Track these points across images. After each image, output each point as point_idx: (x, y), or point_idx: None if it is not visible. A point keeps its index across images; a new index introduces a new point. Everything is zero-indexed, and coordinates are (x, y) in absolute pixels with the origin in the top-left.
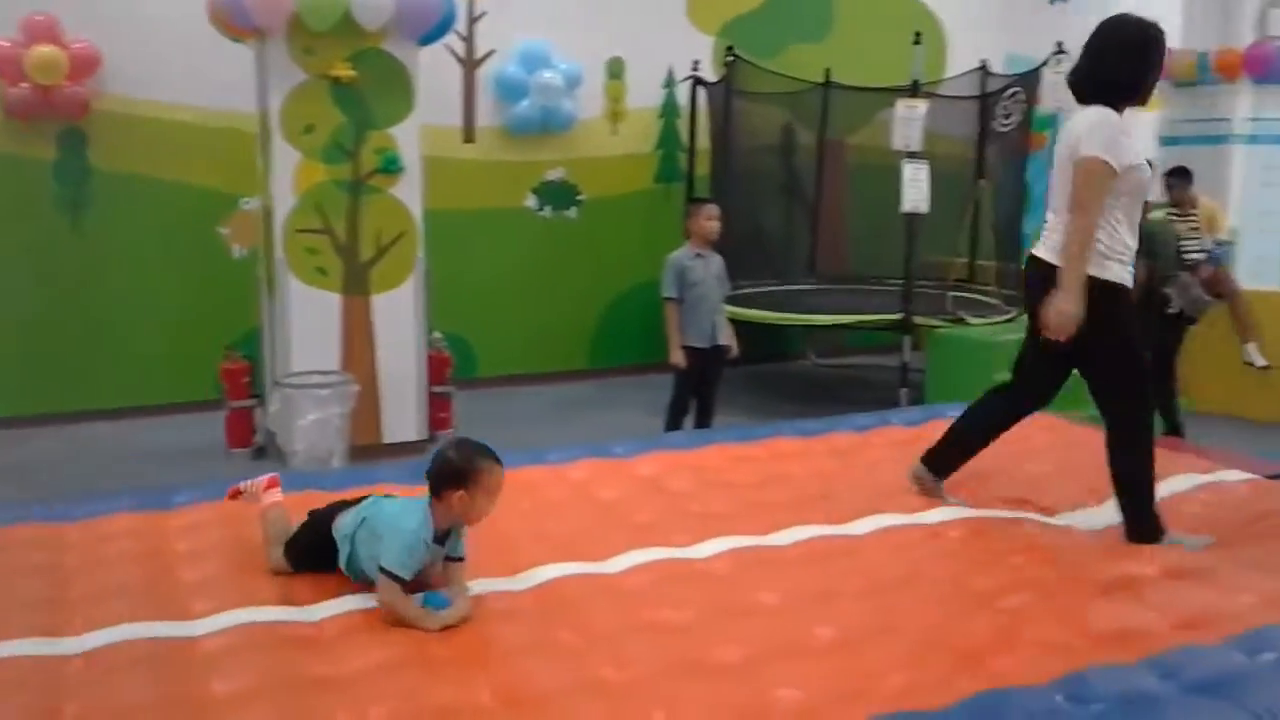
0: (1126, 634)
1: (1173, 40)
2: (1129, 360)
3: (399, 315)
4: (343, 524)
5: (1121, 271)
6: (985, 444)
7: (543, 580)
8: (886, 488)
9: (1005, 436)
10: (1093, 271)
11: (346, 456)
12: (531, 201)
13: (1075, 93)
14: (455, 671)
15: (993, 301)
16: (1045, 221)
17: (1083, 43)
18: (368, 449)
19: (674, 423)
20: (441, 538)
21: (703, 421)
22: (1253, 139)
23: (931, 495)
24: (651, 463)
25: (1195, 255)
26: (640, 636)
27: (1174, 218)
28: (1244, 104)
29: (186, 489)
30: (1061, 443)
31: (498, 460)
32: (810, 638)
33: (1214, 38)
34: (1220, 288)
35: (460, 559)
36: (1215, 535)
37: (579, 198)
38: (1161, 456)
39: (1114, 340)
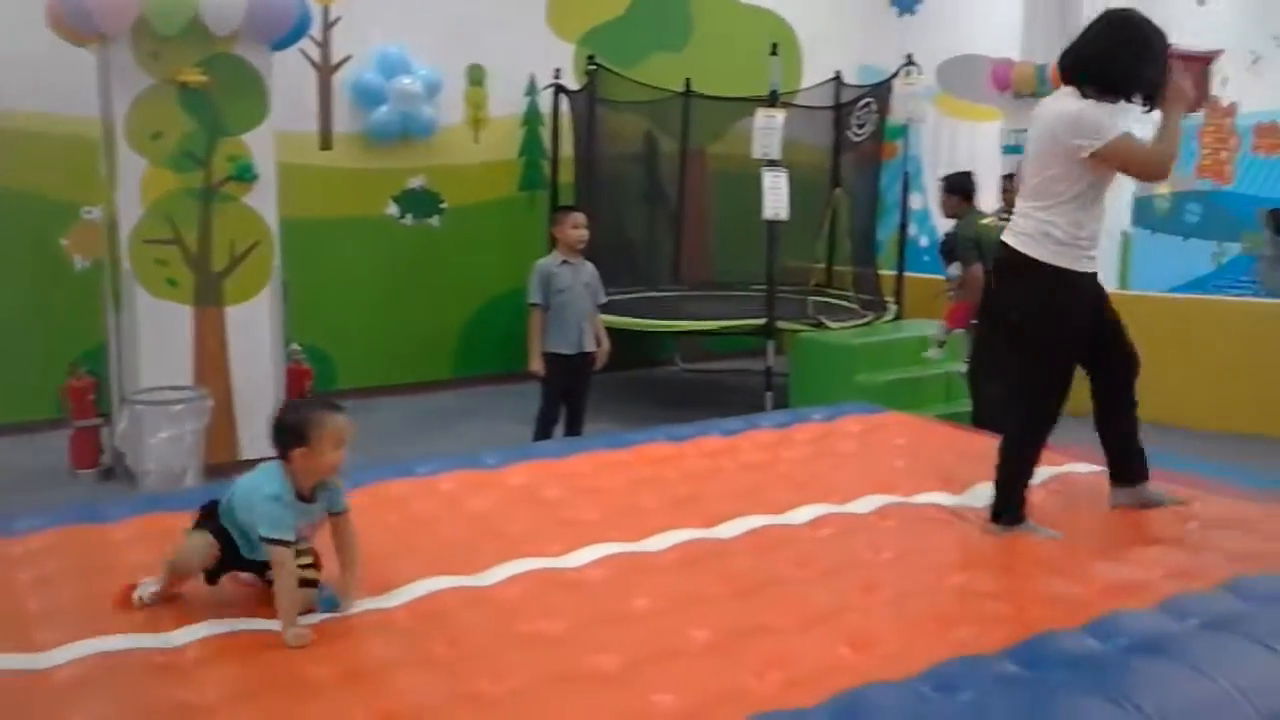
0: (986, 625)
1: (1012, 53)
2: (1059, 355)
3: (255, 327)
4: (223, 514)
5: (1078, 261)
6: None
7: (415, 595)
8: (756, 490)
9: (869, 439)
10: (1047, 259)
11: (201, 474)
12: (392, 209)
13: (1060, 67)
14: (327, 692)
15: (851, 306)
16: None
17: (930, 52)
18: (224, 466)
19: (543, 431)
20: (309, 496)
21: (573, 429)
22: None
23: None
24: (523, 472)
25: None
26: (516, 648)
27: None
28: None
29: (29, 514)
30: (919, 440)
31: (336, 409)
32: (686, 641)
33: (1053, 51)
34: None
35: (342, 512)
36: (1067, 522)
37: (441, 205)
38: None
39: (1053, 329)
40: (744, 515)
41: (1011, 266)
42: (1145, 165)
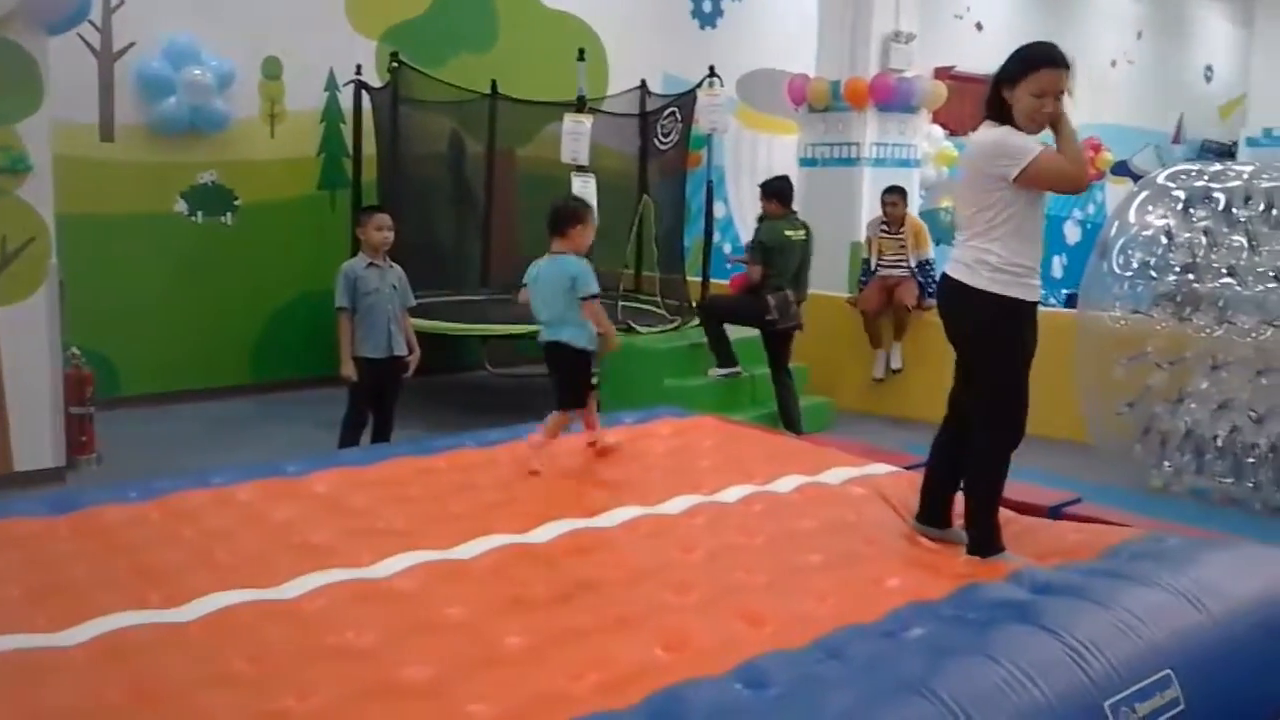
0: (797, 622)
1: (808, 68)
2: (1014, 382)
3: (29, 329)
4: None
5: (1020, 288)
6: (956, 477)
7: (211, 610)
8: (569, 493)
9: (679, 441)
10: (989, 287)
11: None
12: (181, 206)
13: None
14: (125, 715)
15: (659, 311)
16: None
17: (731, 64)
18: None
19: (350, 438)
20: None
21: (381, 435)
22: (878, 162)
23: (950, 541)
24: (327, 480)
25: (897, 271)
26: (322, 663)
27: (884, 233)
28: (870, 129)
29: None
30: (726, 441)
31: None
32: (501, 648)
33: (845, 68)
34: (908, 302)
35: None
36: (871, 517)
37: (235, 202)
38: (815, 452)
39: (1005, 358)
40: (557, 519)
41: (951, 294)
42: (1064, 177)
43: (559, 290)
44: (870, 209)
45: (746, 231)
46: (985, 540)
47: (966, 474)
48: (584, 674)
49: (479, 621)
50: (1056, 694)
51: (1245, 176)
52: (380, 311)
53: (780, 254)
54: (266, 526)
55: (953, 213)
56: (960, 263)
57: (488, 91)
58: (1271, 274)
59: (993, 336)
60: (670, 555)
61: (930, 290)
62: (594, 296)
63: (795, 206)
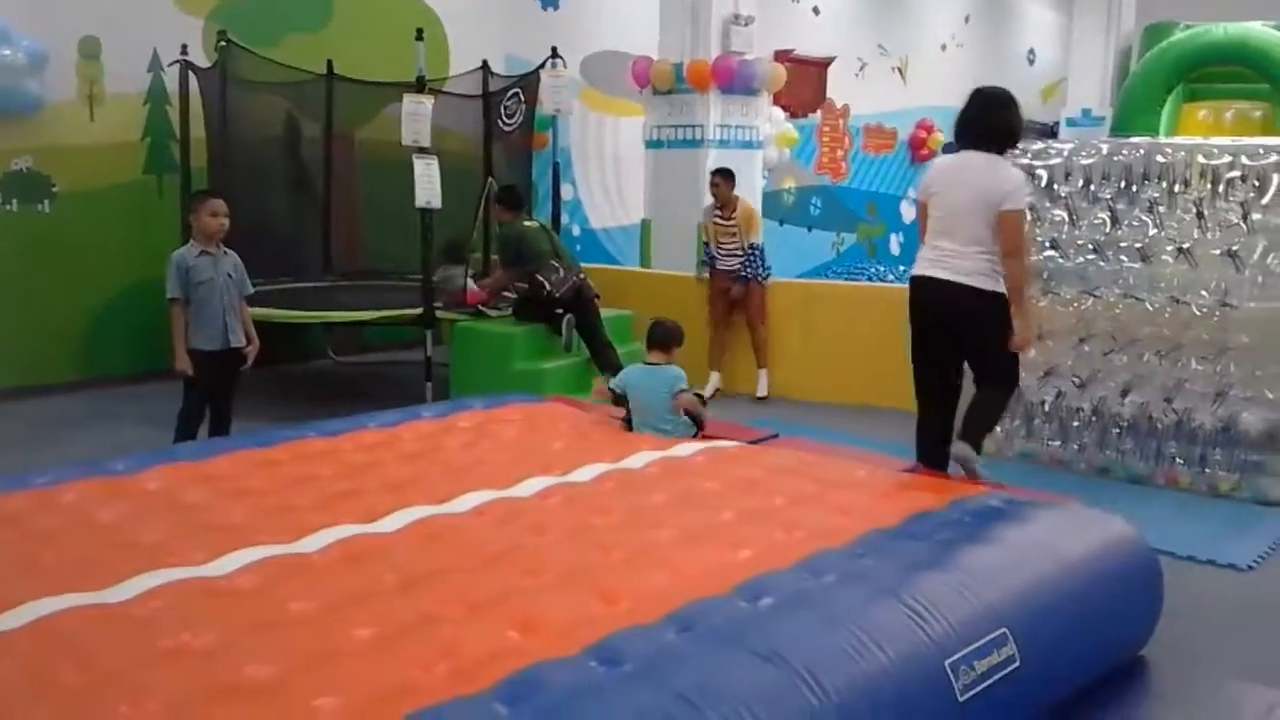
0: (650, 597)
1: (651, 51)
2: (1013, 354)
3: None
4: None
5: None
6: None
7: (34, 617)
8: (417, 481)
9: (530, 424)
10: (993, 287)
11: None
12: None
13: (966, 137)
14: None
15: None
16: (937, 248)
17: (574, 46)
18: None
19: (186, 432)
20: None
21: (219, 429)
22: (722, 143)
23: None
24: (159, 477)
25: (732, 261)
26: (157, 667)
27: (717, 219)
28: (714, 111)
29: None
30: (578, 423)
31: None
32: (347, 642)
33: (687, 51)
34: (755, 318)
35: None
36: (716, 491)
37: (52, 189)
38: None
39: (1003, 335)
40: (405, 508)
41: (976, 299)
42: (1022, 249)
43: (663, 397)
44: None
45: (596, 214)
46: (976, 441)
47: (977, 414)
48: (435, 663)
49: (324, 616)
50: (899, 656)
51: (1065, 154)
52: (215, 301)
53: (525, 244)
54: (94, 528)
55: (795, 194)
56: (980, 274)
57: (323, 72)
58: (1090, 246)
59: (1004, 327)
60: (522, 538)
61: (751, 275)
62: (687, 391)
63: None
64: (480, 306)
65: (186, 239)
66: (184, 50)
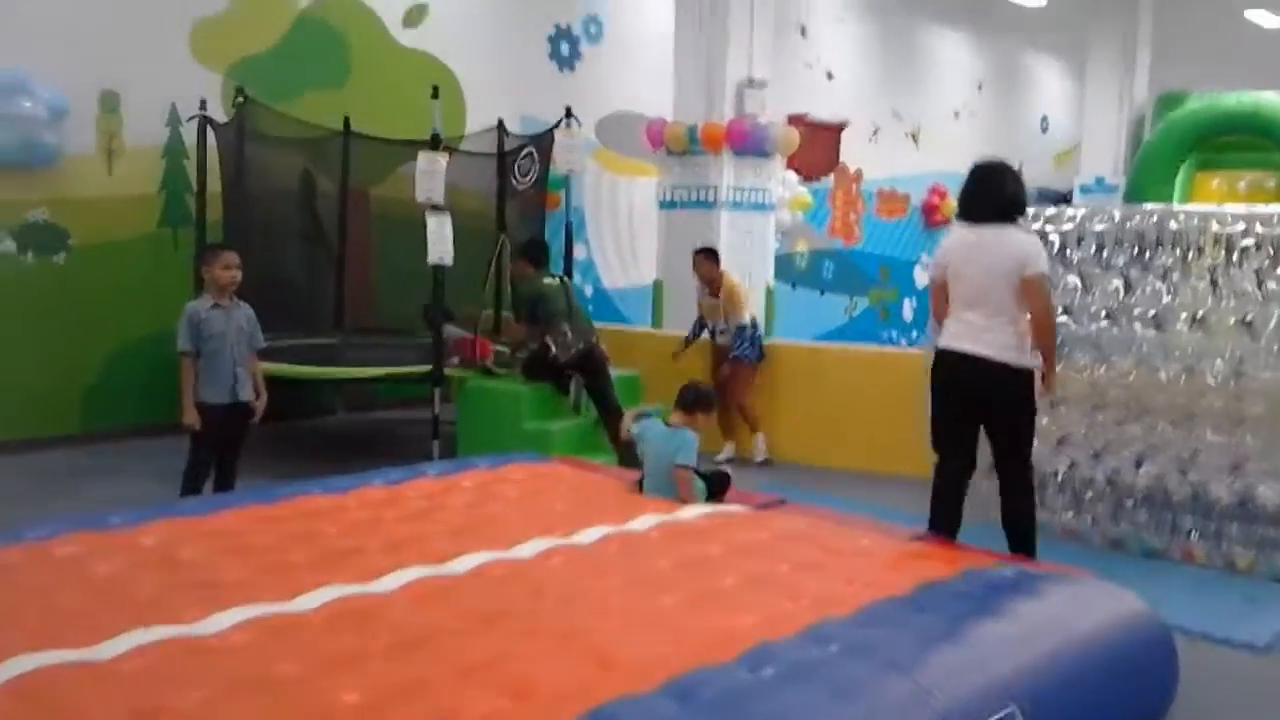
0: (648, 664)
1: (666, 113)
2: (1033, 427)
3: None
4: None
5: (1029, 359)
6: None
7: (16, 673)
8: (417, 540)
9: (533, 485)
10: (1023, 362)
11: None
12: (8, 245)
13: (976, 212)
14: None
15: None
16: (966, 322)
17: (589, 107)
18: None
19: (191, 487)
20: None
21: (224, 485)
22: (735, 205)
23: None
24: (157, 532)
25: (725, 339)
26: None
27: (707, 296)
28: (727, 173)
29: None
30: (583, 485)
31: None
32: (333, 704)
33: (701, 113)
34: (742, 400)
35: None
36: (721, 557)
37: (69, 242)
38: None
39: (1029, 410)
40: (404, 567)
41: (1004, 373)
42: (1049, 310)
43: (670, 460)
44: (729, 251)
45: (609, 274)
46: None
47: (1017, 525)
48: None
49: (313, 677)
50: None
51: (1078, 219)
52: (225, 355)
53: (543, 303)
54: (85, 583)
55: (808, 257)
56: (1011, 348)
57: (340, 129)
58: (1104, 313)
59: (1030, 401)
60: (521, 600)
61: (738, 354)
62: (688, 467)
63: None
64: (485, 363)
65: (199, 292)
66: (203, 105)
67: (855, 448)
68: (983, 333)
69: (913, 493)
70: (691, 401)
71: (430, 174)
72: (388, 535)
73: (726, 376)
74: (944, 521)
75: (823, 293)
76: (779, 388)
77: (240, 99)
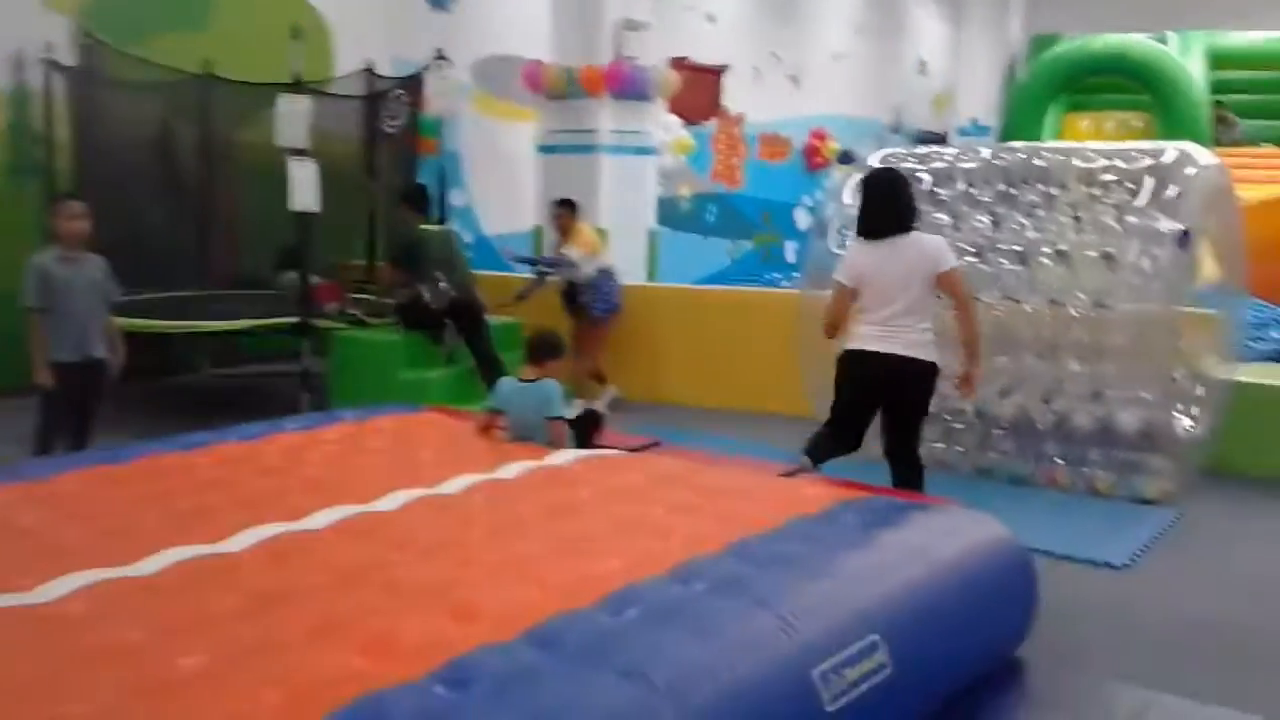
0: (510, 613)
1: (543, 55)
2: (923, 420)
3: None
4: None
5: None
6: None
7: None
8: (273, 497)
9: (400, 436)
10: (932, 357)
11: None
12: None
13: (882, 227)
14: None
15: (390, 302)
16: (877, 324)
17: (465, 49)
18: None
19: (43, 448)
20: None
21: (78, 445)
22: (615, 149)
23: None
24: None
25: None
26: None
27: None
28: (606, 117)
29: None
30: (452, 434)
31: None
32: (175, 671)
33: (579, 55)
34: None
35: None
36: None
37: None
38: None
39: (928, 406)
40: (257, 525)
41: (923, 371)
42: (971, 299)
43: (537, 416)
44: (610, 196)
45: (490, 220)
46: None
47: (910, 479)
48: (267, 691)
49: (155, 644)
50: (765, 667)
51: (948, 159)
52: (76, 310)
53: (418, 249)
54: None
55: (691, 201)
56: (923, 345)
57: (200, 72)
58: (972, 249)
59: (930, 389)
60: (380, 555)
61: (587, 304)
62: (560, 418)
63: (560, 196)
64: (334, 308)
65: (49, 245)
66: (48, 49)
67: (735, 388)
68: (896, 333)
69: (791, 429)
70: (541, 351)
71: (291, 118)
72: (241, 493)
73: (578, 332)
74: (819, 447)
75: (706, 236)
76: (660, 331)
77: (86, 41)
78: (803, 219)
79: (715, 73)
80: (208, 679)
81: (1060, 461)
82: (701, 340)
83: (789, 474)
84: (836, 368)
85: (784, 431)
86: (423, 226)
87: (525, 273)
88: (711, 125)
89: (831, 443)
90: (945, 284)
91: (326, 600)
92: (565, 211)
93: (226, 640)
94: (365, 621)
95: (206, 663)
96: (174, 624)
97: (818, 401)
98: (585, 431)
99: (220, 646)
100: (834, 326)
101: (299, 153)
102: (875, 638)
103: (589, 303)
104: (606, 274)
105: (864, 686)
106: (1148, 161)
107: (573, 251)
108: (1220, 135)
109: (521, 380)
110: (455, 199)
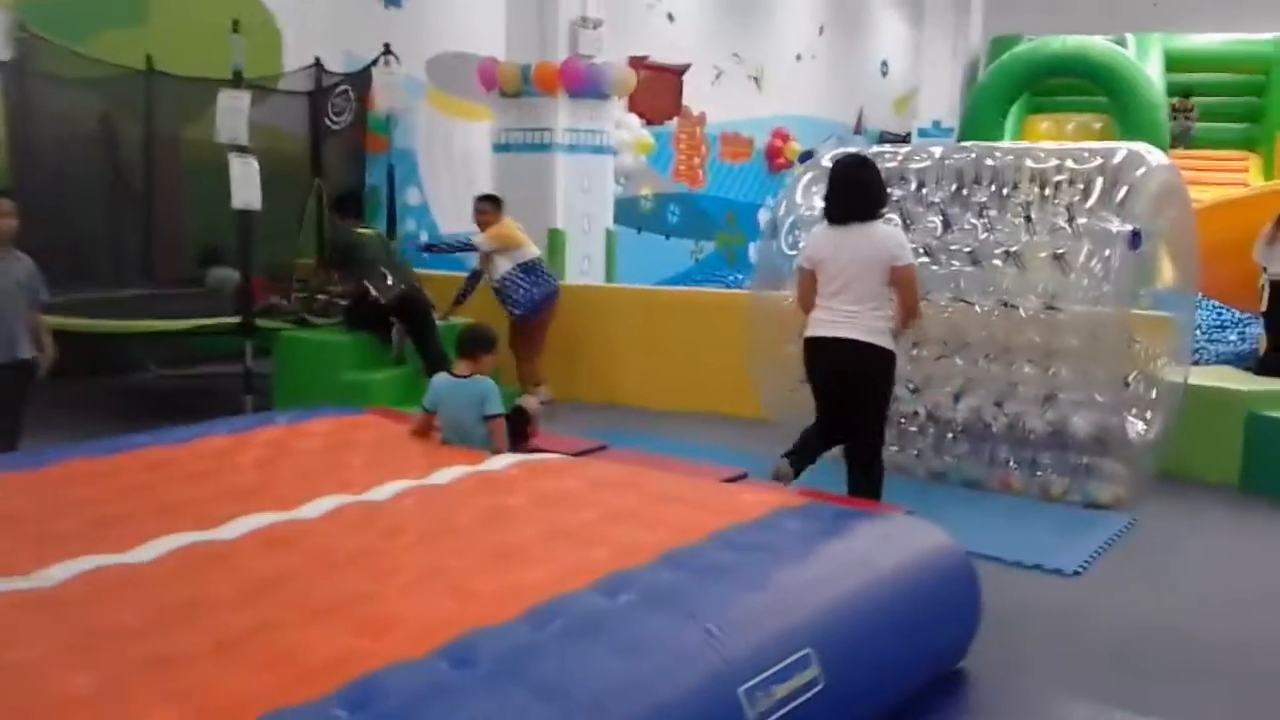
0: (425, 627)
1: (498, 52)
2: (886, 411)
3: None
4: None
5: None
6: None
7: None
8: (189, 505)
9: (334, 439)
10: (887, 344)
11: None
12: None
13: (845, 213)
14: None
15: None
16: (833, 309)
17: (418, 46)
18: None
19: None
20: None
21: (8, 447)
22: (571, 148)
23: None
24: None
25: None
26: None
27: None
28: (562, 115)
29: None
30: (387, 437)
31: None
32: (65, 690)
33: (534, 53)
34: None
35: None
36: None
37: None
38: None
39: (887, 395)
40: (169, 534)
41: (876, 357)
42: (917, 300)
43: (473, 413)
44: (565, 196)
45: (445, 219)
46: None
47: (865, 485)
48: (162, 710)
49: (44, 662)
50: (690, 684)
51: (899, 158)
52: (2, 309)
53: (355, 249)
54: None
55: (652, 201)
56: (879, 332)
57: (141, 68)
58: (923, 250)
59: (887, 380)
60: (296, 567)
61: (503, 302)
62: (499, 416)
63: (496, 193)
64: (265, 303)
65: None
66: None
67: (689, 390)
68: (851, 318)
69: (745, 432)
70: (472, 345)
71: (232, 113)
72: (159, 500)
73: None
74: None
75: (668, 237)
76: (615, 332)
77: (21, 34)
78: (765, 220)
79: (676, 72)
80: (99, 698)
81: (1013, 465)
82: (656, 341)
83: (733, 479)
84: (803, 356)
85: (737, 434)
86: (358, 230)
87: (455, 270)
88: (673, 125)
89: (819, 439)
90: (895, 279)
91: (232, 616)
92: (487, 206)
93: (119, 658)
94: (269, 637)
95: (98, 681)
96: (66, 641)
97: (769, 403)
98: (515, 431)
99: (113, 664)
100: (805, 309)
101: (240, 149)
102: (807, 651)
103: (503, 303)
104: (530, 270)
105: (795, 703)
106: (1098, 161)
107: (478, 238)
108: (1173, 128)
109: (455, 375)
110: (411, 197)
